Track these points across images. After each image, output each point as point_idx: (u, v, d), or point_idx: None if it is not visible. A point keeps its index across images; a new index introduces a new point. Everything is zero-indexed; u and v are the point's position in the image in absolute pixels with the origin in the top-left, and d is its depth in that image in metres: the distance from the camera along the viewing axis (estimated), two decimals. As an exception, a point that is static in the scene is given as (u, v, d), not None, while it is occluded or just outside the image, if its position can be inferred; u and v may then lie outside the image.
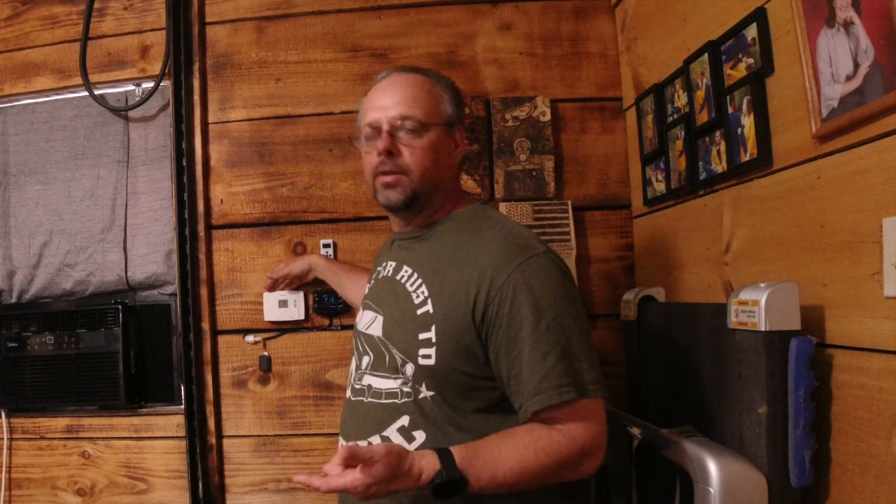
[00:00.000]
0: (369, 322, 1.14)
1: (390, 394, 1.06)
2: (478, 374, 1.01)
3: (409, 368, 1.04)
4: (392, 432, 1.04)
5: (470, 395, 1.02)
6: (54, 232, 1.78)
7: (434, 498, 0.90)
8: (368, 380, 1.10)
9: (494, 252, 1.01)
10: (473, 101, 1.71)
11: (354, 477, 0.87)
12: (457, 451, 0.92)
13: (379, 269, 1.20)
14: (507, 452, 0.93)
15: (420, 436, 1.02)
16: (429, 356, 1.01)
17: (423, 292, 1.06)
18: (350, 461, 0.88)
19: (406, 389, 1.04)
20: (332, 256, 1.72)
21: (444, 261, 1.06)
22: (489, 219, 1.10)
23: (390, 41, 1.76)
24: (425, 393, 1.02)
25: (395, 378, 1.06)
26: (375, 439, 1.05)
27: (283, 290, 1.70)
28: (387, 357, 1.07)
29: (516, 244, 1.02)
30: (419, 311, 1.05)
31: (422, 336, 1.03)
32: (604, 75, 1.74)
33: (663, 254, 1.54)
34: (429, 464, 0.90)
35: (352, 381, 1.16)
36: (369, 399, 1.09)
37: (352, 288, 1.59)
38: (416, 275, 1.09)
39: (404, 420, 1.04)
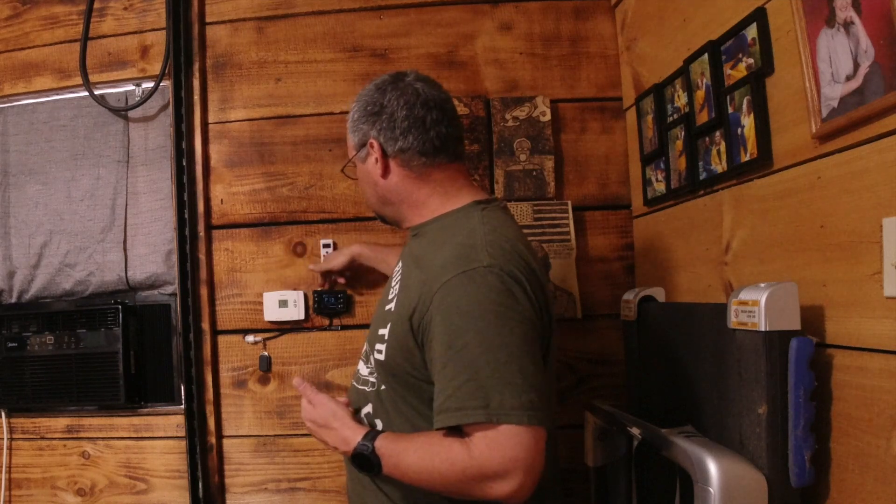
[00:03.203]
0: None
1: (364, 381, 1.13)
2: (420, 376, 1.01)
3: (372, 360, 1.10)
4: (363, 416, 1.11)
5: (417, 394, 1.03)
6: (54, 232, 1.78)
7: (353, 465, 1.04)
8: (359, 364, 1.18)
9: (440, 263, 0.99)
10: (473, 101, 1.71)
11: (305, 405, 1.13)
12: (382, 436, 1.02)
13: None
14: (413, 448, 0.98)
15: (379, 424, 1.08)
16: (381, 351, 1.06)
17: (395, 289, 1.09)
18: (301, 393, 1.14)
19: (372, 380, 1.10)
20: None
21: (415, 261, 1.07)
22: (463, 223, 1.06)
23: (390, 41, 1.77)
24: (383, 385, 1.08)
25: (368, 366, 1.13)
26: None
27: (327, 286, 1.70)
28: (366, 346, 1.14)
29: (460, 256, 0.97)
30: (386, 308, 1.09)
31: (380, 332, 1.07)
32: (604, 75, 1.74)
33: (663, 254, 1.54)
34: (354, 435, 1.04)
35: None
36: (355, 382, 1.17)
37: None
38: (400, 272, 1.11)
39: (369, 407, 1.10)
